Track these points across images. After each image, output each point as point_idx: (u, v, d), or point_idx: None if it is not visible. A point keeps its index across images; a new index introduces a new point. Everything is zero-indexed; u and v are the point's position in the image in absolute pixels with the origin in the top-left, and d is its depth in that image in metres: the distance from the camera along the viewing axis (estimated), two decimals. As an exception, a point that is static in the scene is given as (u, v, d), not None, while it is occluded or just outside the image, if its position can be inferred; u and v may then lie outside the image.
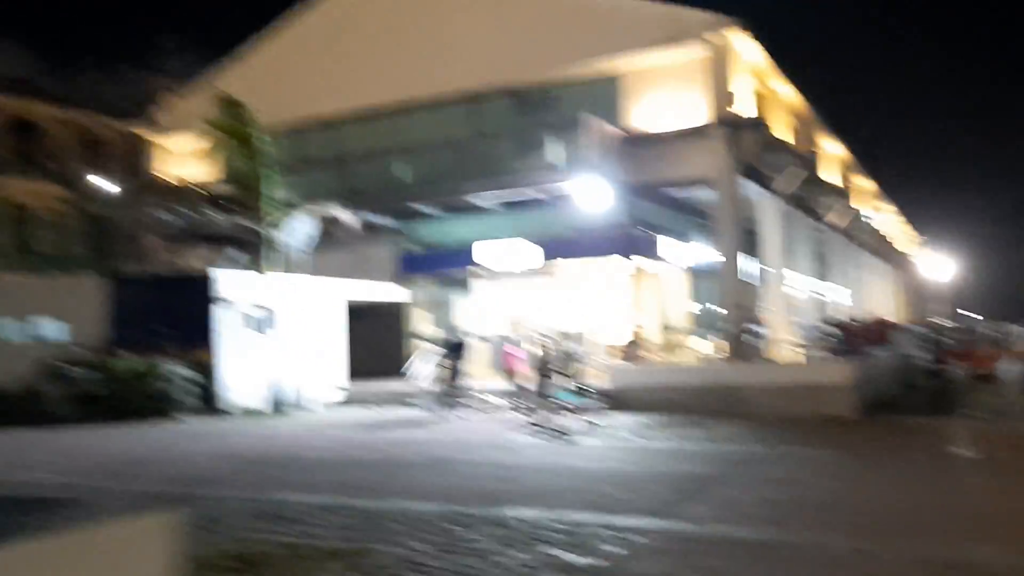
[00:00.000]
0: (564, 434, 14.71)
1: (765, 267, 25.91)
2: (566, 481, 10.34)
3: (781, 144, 24.35)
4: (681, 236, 25.73)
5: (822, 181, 30.79)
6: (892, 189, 49.26)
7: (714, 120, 21.40)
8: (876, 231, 45.55)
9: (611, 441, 13.97)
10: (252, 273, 20.99)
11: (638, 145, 22.52)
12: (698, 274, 26.58)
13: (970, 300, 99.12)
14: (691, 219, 26.36)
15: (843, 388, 16.78)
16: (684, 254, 25.51)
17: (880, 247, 48.98)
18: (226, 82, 25.05)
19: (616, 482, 10.08)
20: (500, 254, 23.96)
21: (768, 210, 25.58)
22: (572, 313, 24.15)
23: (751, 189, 23.89)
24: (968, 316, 75.26)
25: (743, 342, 20.33)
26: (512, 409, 18.33)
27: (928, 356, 33.37)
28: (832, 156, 34.68)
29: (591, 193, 21.16)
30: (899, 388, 23.32)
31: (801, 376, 17.28)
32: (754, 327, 27.74)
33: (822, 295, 36.95)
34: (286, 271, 21.38)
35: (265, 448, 14.38)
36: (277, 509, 8.98)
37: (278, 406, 20.02)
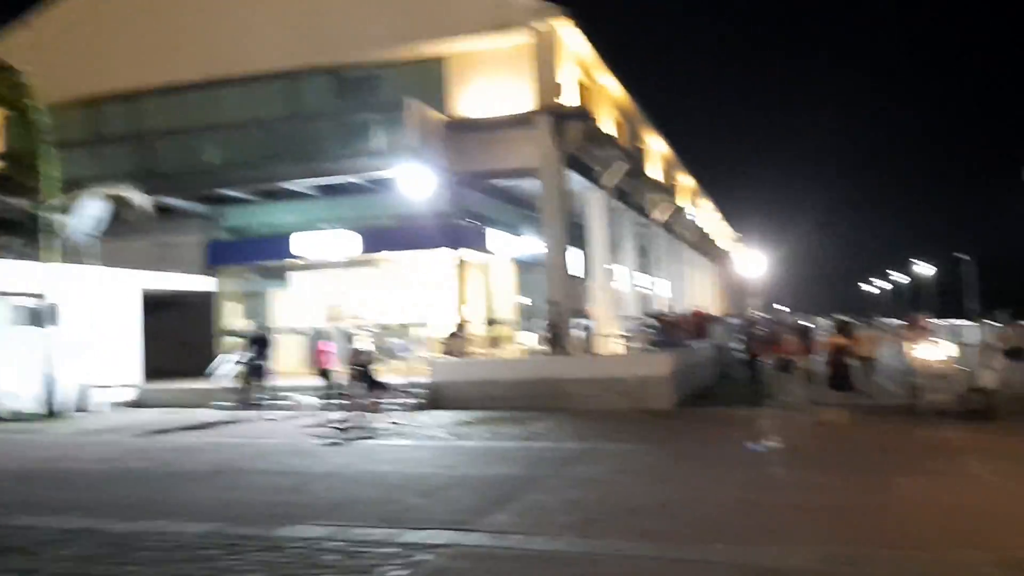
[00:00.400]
0: (374, 435, 13.75)
1: (591, 260, 25.96)
2: (365, 490, 9.41)
3: (606, 137, 24.38)
4: (509, 228, 25.31)
5: (647, 176, 31.34)
6: (711, 187, 51.45)
7: (540, 109, 21.01)
8: (697, 227, 47.34)
9: (423, 441, 13.14)
10: (29, 261, 18.60)
11: (464, 132, 21.82)
12: (526, 266, 26.28)
13: (781, 294, 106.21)
14: (519, 211, 25.99)
15: (661, 380, 16.76)
16: (512, 246, 25.09)
17: (700, 243, 51.03)
18: (8, 50, 22.19)
19: (418, 489, 9.25)
20: (319, 244, 22.61)
21: (594, 204, 25.61)
22: (396, 306, 23.19)
23: (577, 181, 23.78)
24: (779, 309, 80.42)
25: (567, 335, 20.07)
26: (321, 409, 17.14)
27: (741, 347, 34.80)
28: (656, 153, 35.48)
29: (415, 180, 20.23)
30: (715, 379, 23.94)
31: (621, 369, 17.14)
32: (580, 320, 27.82)
33: (646, 288, 37.83)
34: (71, 259, 19.13)
35: (28, 459, 12.54)
36: (11, 537, 7.54)
37: (57, 409, 17.86)
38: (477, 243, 23.17)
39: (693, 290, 47.52)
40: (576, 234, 30.71)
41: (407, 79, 22.25)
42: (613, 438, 13.00)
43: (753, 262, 77.77)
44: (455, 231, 22.21)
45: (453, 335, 20.32)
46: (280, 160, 21.76)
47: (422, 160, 20.03)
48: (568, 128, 21.07)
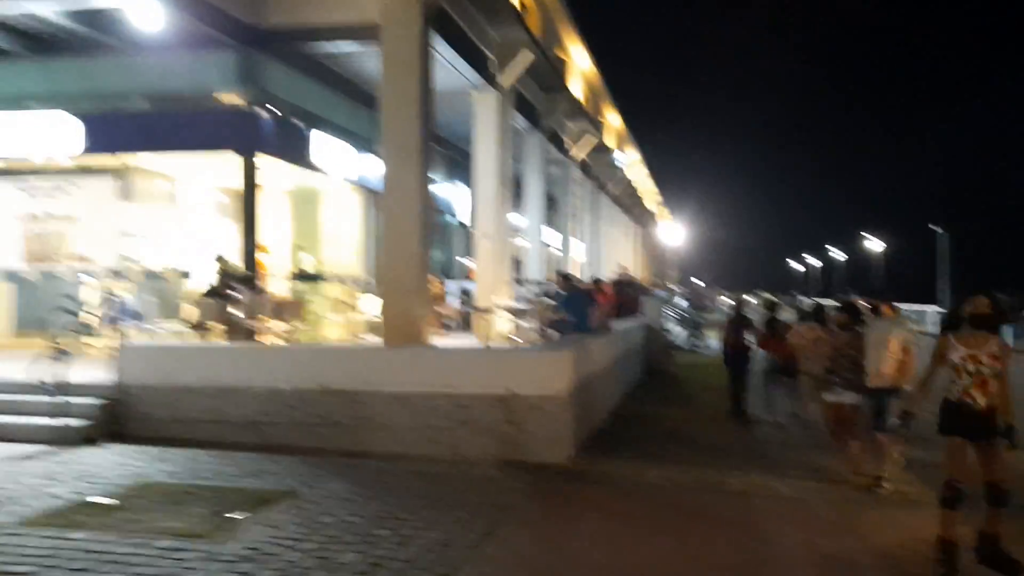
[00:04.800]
0: None
1: (478, 199, 17.79)
2: None
3: (507, 6, 16.04)
4: (357, 140, 16.74)
5: (568, 93, 23.18)
6: (640, 134, 43.37)
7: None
8: (624, 179, 39.57)
9: None
10: None
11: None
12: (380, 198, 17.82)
13: (700, 267, 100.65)
14: (375, 116, 17.45)
15: (554, 402, 8.67)
16: (358, 165, 16.51)
17: (625, 199, 43.35)
18: None
19: None
20: (14, 133, 13.60)
21: (484, 110, 17.35)
22: (147, 242, 14.51)
23: (455, 68, 15.50)
24: (696, 283, 74.17)
25: (418, 308, 11.68)
26: None
27: (699, 335, 27.23)
28: (578, 70, 27.27)
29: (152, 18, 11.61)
30: (642, 379, 16.25)
31: (484, 376, 8.96)
32: (454, 284, 19.67)
33: (556, 248, 29.89)
34: None
35: None
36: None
37: None
38: (292, 151, 14.59)
39: (612, 255, 39.70)
40: (459, 163, 22.49)
41: None
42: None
43: (673, 229, 70.91)
44: (249, 125, 13.62)
45: (210, 294, 11.86)
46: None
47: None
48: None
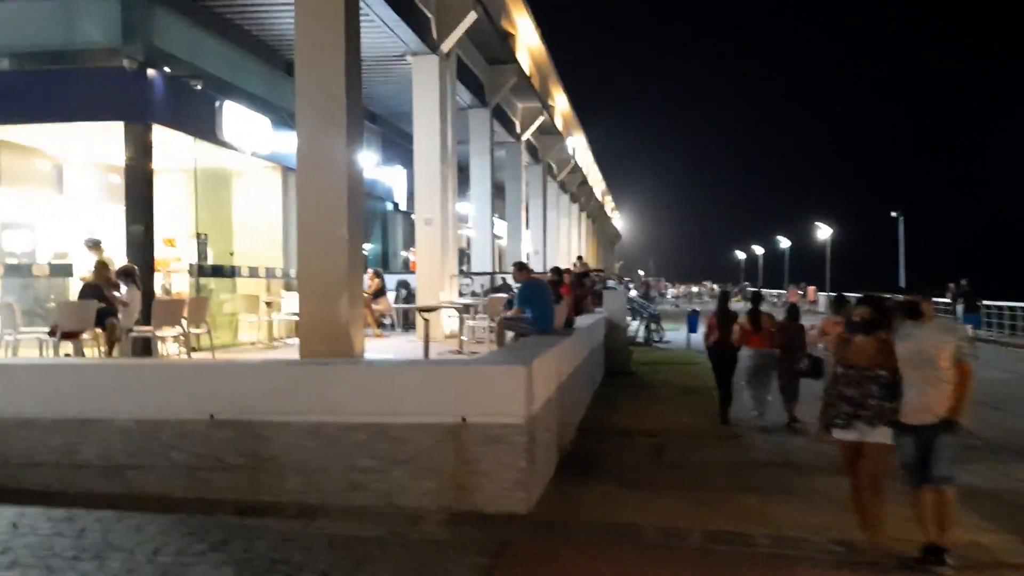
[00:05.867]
0: None
1: (419, 182, 15.71)
2: None
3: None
4: (277, 114, 14.41)
5: (516, 66, 21.15)
6: (585, 120, 41.23)
7: None
8: (574, 165, 37.71)
9: None
10: None
11: None
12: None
13: (644, 257, 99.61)
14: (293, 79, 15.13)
15: (518, 428, 6.56)
16: (277, 141, 14.18)
17: (575, 186, 41.55)
18: None
19: None
20: None
21: (425, 81, 15.26)
22: (20, 229, 12.08)
23: (391, 27, 13.40)
24: (640, 274, 72.90)
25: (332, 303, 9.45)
26: None
27: (657, 328, 25.32)
28: (525, 46, 25.19)
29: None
30: (600, 381, 14.35)
31: (426, 395, 6.82)
32: (403, 278, 17.50)
33: (501, 237, 27.95)
34: None
35: None
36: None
37: None
38: (195, 121, 12.26)
39: (562, 246, 37.71)
40: (398, 144, 20.38)
41: None
42: None
43: (619, 219, 69.64)
44: (138, 88, 11.26)
45: (85, 293, 9.53)
46: None
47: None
48: None
